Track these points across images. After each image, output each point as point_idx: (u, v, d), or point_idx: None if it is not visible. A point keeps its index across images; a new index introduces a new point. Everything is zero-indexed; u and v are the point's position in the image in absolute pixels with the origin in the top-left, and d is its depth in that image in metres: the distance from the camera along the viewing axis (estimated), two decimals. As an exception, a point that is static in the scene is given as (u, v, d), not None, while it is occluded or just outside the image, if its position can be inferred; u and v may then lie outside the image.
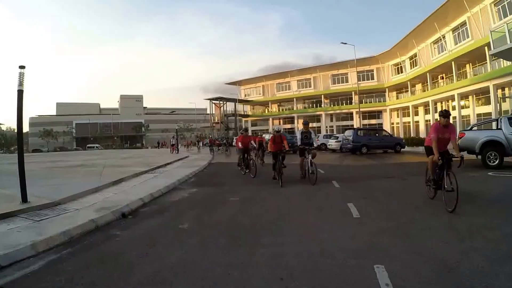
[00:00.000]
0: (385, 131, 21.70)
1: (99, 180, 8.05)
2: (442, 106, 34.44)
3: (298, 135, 7.56)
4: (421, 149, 18.28)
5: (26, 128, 77.81)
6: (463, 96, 30.06)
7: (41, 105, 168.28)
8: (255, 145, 9.43)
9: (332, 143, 21.27)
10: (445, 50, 31.72)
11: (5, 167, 14.18)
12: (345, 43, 30.52)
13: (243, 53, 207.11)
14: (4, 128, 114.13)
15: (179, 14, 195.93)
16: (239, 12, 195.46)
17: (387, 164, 12.26)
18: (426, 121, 37.86)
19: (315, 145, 7.77)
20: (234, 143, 33.34)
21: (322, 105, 50.70)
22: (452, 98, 31.08)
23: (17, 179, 5.20)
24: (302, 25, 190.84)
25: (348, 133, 18.50)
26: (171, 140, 25.23)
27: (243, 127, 62.34)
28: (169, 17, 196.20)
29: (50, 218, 4.63)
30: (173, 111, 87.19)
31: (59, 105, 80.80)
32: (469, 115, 29.51)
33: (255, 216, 4.53)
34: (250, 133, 55.67)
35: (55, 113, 78.44)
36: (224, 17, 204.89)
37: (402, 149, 18.12)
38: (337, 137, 21.69)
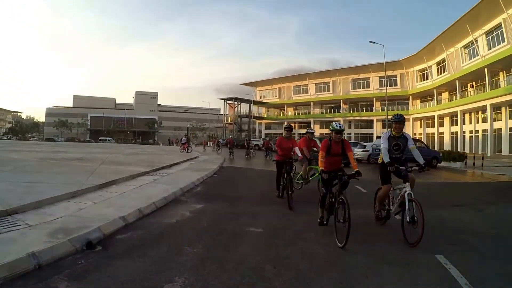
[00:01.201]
0: (421, 142, 19.43)
1: (85, 180, 6.49)
2: (471, 118, 31.99)
3: (384, 143, 4.10)
4: (459, 164, 16.06)
5: (42, 117, 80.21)
6: (495, 108, 27.51)
7: (59, 96, 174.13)
8: (299, 155, 5.95)
9: (358, 152, 19.05)
10: (477, 55, 29.22)
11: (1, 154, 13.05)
12: (374, 42, 27.42)
13: (259, 56, 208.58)
14: (24, 116, 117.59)
15: (201, 16, 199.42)
16: (259, 15, 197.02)
17: (435, 183, 10.09)
18: (452, 133, 35.23)
19: (420, 161, 4.01)
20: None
21: (341, 111, 48.70)
22: (483, 109, 28.44)
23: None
24: (319, 30, 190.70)
25: (379, 142, 16.41)
26: (182, 138, 23.64)
27: (257, 129, 61.40)
28: (191, 18, 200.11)
29: (-23, 242, 3.04)
30: (187, 110, 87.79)
31: (76, 98, 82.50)
32: (501, 128, 27.05)
33: (296, 272, 2.71)
34: (254, 136, 54.80)
35: (71, 105, 79.64)
36: (243, 20, 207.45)
37: (438, 164, 15.99)
38: (364, 146, 20.01)
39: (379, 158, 4.31)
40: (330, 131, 4.05)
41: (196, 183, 7.61)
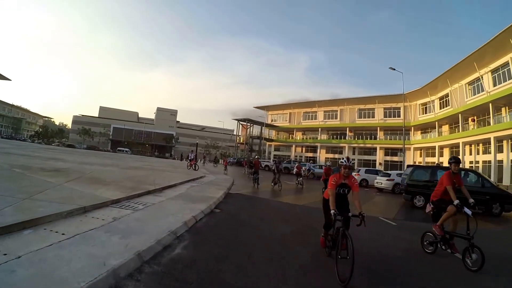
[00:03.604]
0: (476, 172, 14.29)
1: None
2: (471, 149, 33.31)
3: None
4: None
5: (69, 124, 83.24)
6: (498, 140, 28.24)
7: (88, 107, 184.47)
8: None
9: (381, 181, 18.64)
10: (482, 91, 30.43)
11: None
12: (394, 69, 28.34)
13: (271, 86, 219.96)
14: (57, 122, 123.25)
15: (222, 47, 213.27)
16: (274, 50, 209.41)
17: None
18: (451, 163, 33.91)
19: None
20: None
21: (346, 138, 50.12)
22: (484, 141, 29.84)
23: None
24: (324, 67, 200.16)
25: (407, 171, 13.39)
26: (189, 154, 21.03)
27: (266, 150, 59.81)
28: (212, 48, 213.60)
29: None
30: (203, 128, 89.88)
31: (101, 109, 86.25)
32: (502, 160, 27.82)
33: None
34: (263, 157, 55.03)
35: (97, 115, 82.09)
36: (259, 54, 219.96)
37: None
38: (389, 175, 19.21)
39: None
40: None
41: (178, 232, 4.63)
